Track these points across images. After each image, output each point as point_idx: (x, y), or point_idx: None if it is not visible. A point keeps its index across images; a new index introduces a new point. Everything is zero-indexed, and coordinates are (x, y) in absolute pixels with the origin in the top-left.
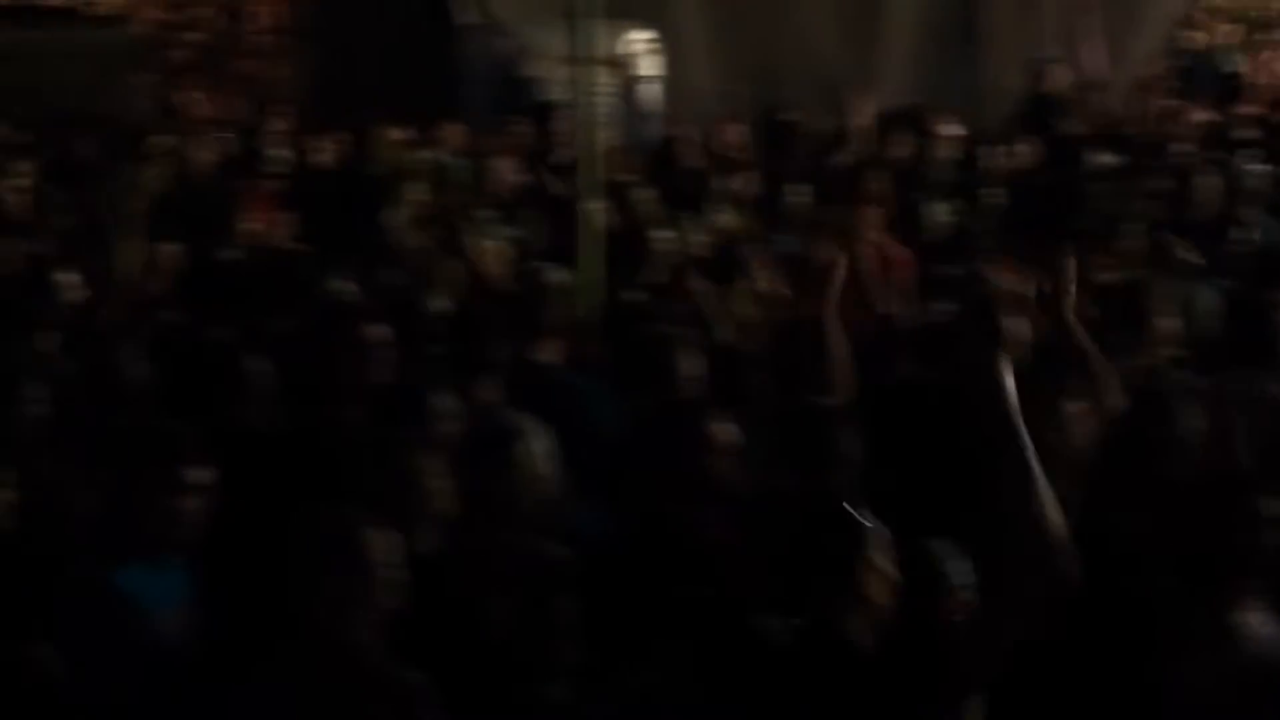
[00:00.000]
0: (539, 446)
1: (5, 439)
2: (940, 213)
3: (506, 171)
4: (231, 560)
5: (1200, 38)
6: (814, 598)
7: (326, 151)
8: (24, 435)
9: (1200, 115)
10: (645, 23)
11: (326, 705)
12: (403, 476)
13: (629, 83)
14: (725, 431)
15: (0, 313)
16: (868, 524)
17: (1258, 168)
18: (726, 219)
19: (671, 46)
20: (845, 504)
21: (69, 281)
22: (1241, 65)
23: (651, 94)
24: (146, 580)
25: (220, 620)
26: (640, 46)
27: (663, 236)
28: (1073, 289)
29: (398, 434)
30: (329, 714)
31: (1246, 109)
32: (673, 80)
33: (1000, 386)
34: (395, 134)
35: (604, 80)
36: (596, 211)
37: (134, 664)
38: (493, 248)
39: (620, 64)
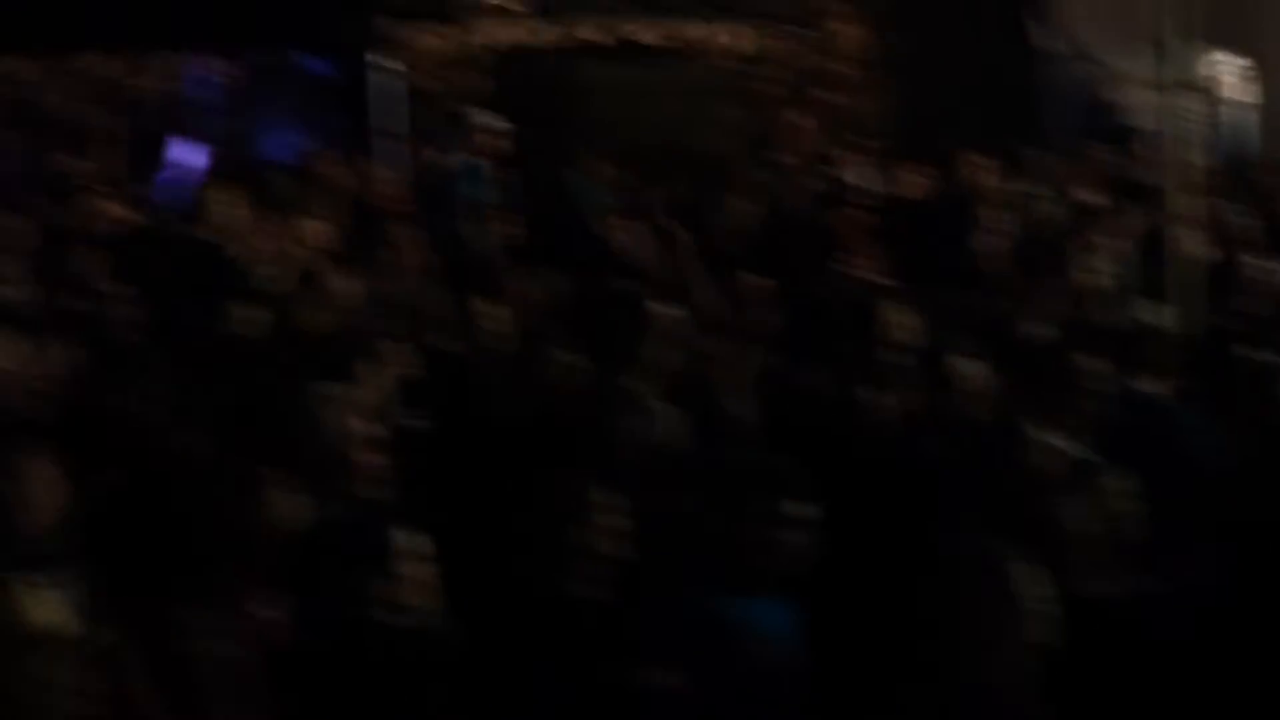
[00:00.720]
0: (1121, 483)
1: (615, 471)
2: None
3: (1091, 199)
4: (840, 595)
5: None
6: None
7: (915, 182)
8: (633, 467)
9: None
10: (1238, 48)
11: None
12: (1035, 516)
13: (1217, 108)
14: None
15: (600, 345)
16: None
17: None
18: None
19: (1267, 73)
20: None
21: (665, 314)
22: None
23: (1244, 121)
24: (754, 611)
25: (830, 654)
26: (1231, 71)
27: (1259, 264)
28: None
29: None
30: None
31: None
32: (1268, 107)
33: None
34: (980, 162)
35: (1191, 106)
36: (1188, 238)
37: (747, 692)
38: (1082, 275)
39: (1207, 89)
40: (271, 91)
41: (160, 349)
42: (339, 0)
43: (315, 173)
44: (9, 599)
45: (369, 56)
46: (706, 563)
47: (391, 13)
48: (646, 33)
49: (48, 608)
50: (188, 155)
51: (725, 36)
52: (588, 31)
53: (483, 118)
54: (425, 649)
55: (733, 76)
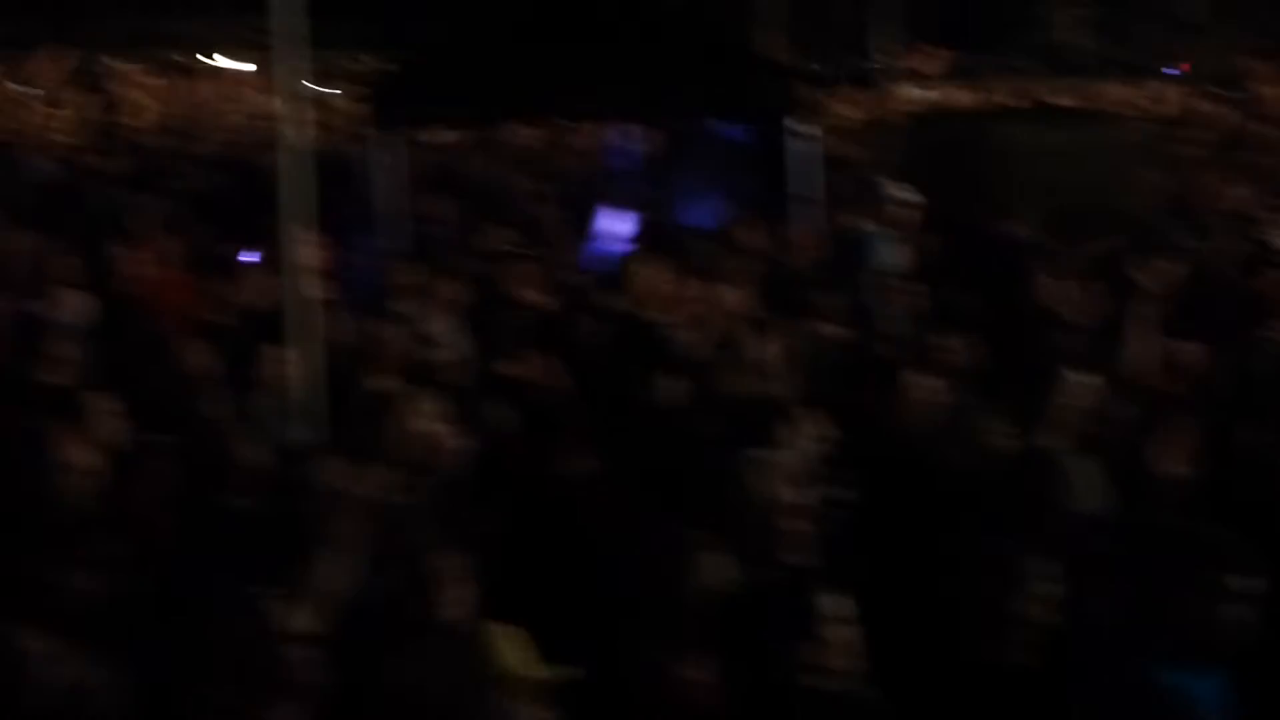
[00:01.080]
0: None
1: (1047, 537)
2: None
3: None
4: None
5: None
6: None
7: None
8: (1066, 534)
9: None
10: None
11: None
12: None
13: None
14: None
15: (1029, 410)
16: None
17: None
18: None
19: None
20: None
21: (1088, 380)
22: None
23: None
24: (1189, 682)
25: None
26: None
27: None
28: None
29: None
30: None
31: None
32: None
33: None
34: None
35: None
36: None
37: None
38: None
39: None
40: (691, 157)
41: (586, 414)
42: (758, 67)
43: (735, 238)
44: (479, 640)
45: (787, 122)
46: (1142, 632)
47: (809, 79)
48: (1064, 95)
49: (512, 650)
50: (613, 222)
51: (1146, 97)
52: (1004, 94)
53: (894, 189)
54: (850, 713)
55: (1155, 137)
